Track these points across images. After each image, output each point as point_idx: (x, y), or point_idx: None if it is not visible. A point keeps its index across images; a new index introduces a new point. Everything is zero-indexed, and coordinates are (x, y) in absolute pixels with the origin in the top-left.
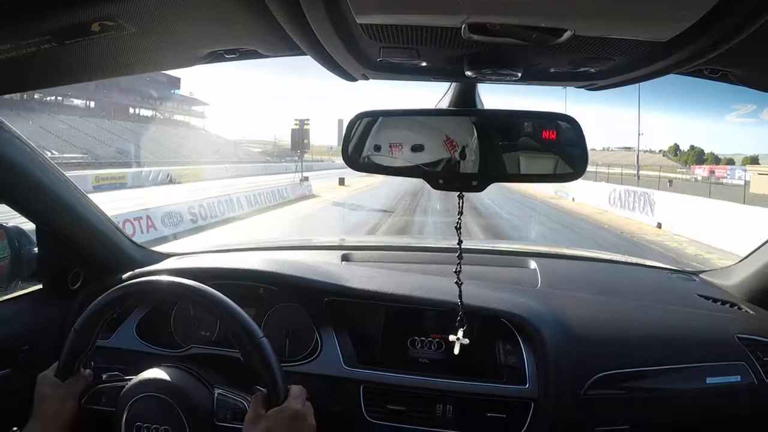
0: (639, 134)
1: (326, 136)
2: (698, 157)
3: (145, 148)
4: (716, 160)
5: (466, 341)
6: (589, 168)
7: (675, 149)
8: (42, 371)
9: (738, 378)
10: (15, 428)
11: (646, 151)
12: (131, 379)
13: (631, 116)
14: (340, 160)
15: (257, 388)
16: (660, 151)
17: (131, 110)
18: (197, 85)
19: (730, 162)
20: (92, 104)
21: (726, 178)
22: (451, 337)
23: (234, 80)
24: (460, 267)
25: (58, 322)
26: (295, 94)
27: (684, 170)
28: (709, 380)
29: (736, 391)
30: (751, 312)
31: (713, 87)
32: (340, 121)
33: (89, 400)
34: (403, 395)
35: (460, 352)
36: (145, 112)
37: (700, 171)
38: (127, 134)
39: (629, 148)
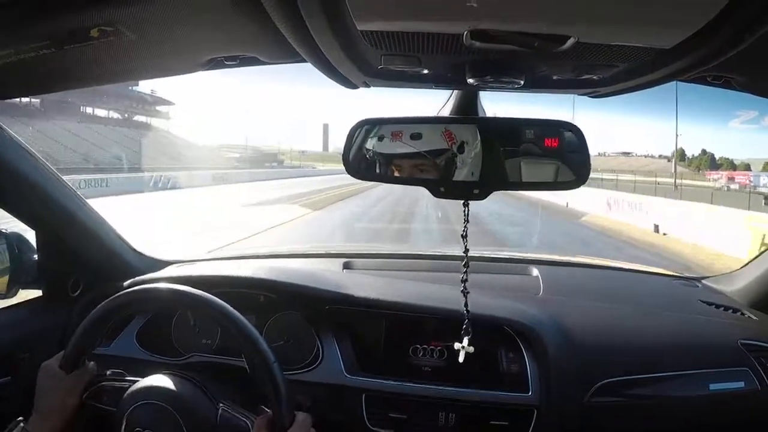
0: (677, 135)
1: (312, 141)
2: (711, 162)
3: (84, 153)
4: (732, 165)
5: (471, 349)
6: (592, 174)
7: (681, 154)
8: (43, 363)
9: (741, 384)
10: (20, 418)
11: (647, 156)
12: (135, 379)
13: (628, 121)
14: (321, 167)
15: (262, 408)
16: (660, 155)
17: (82, 109)
18: (161, 82)
19: (747, 168)
20: (37, 102)
21: (750, 185)
22: (456, 345)
23: (207, 79)
24: (467, 275)
25: (59, 329)
26: (276, 97)
27: (714, 177)
28: (713, 387)
29: (739, 398)
30: (755, 318)
31: (715, 93)
32: (326, 126)
33: (91, 396)
34: (405, 403)
35: (462, 359)
36: (100, 112)
37: (717, 178)
38: (69, 139)
39: (628, 153)
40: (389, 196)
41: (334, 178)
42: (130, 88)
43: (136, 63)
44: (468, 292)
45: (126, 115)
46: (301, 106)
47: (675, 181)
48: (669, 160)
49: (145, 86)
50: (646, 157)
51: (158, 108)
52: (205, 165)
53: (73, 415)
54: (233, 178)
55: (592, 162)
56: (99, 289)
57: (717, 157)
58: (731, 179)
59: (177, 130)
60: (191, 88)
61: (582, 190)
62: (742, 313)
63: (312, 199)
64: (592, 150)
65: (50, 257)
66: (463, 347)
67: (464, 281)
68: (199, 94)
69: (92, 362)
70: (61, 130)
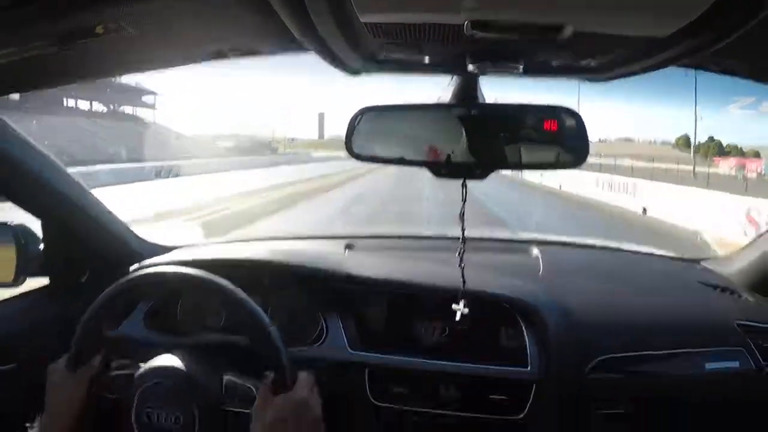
0: (697, 119)
1: (307, 130)
2: (719, 149)
3: (54, 146)
4: (740, 152)
5: (466, 310)
6: (598, 160)
7: (686, 141)
8: (50, 365)
9: (737, 364)
10: (28, 424)
11: (651, 142)
12: (140, 366)
13: (628, 107)
14: (315, 153)
15: (266, 374)
16: (662, 142)
17: (65, 102)
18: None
19: (757, 155)
20: (16, 96)
21: (762, 172)
22: (453, 306)
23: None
24: (463, 248)
25: (65, 316)
26: (271, 86)
27: (730, 165)
28: (708, 366)
29: (734, 377)
30: (751, 299)
31: (712, 79)
32: (321, 115)
33: (99, 388)
34: (407, 378)
35: (462, 335)
36: (83, 104)
37: (732, 166)
38: (46, 133)
39: (630, 139)
40: (359, 203)
41: (317, 166)
42: (111, 79)
43: (139, 56)
44: (463, 250)
45: (111, 107)
46: (297, 95)
47: (694, 169)
48: (674, 147)
49: (128, 76)
50: (650, 143)
51: (144, 98)
52: (193, 155)
53: (82, 412)
54: (189, 170)
55: (593, 148)
56: (105, 275)
57: (722, 143)
58: (742, 166)
59: (164, 121)
60: (179, 76)
61: (651, 184)
62: (740, 295)
63: (247, 204)
64: (593, 136)
65: (56, 246)
66: (459, 310)
67: (461, 254)
68: (189, 83)
69: (97, 356)
70: (34, 124)
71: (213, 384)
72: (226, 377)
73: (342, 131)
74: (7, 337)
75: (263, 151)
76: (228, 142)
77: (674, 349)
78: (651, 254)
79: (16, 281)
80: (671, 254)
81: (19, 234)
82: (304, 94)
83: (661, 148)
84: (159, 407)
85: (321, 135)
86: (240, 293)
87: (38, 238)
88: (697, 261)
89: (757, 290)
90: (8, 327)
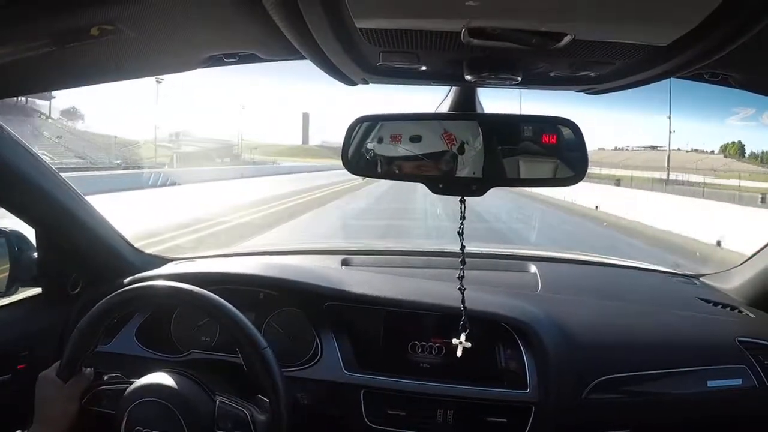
0: None
1: (291, 133)
2: None
3: None
4: None
5: (469, 345)
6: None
7: (739, 148)
8: (40, 373)
9: (739, 381)
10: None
11: (689, 151)
12: (133, 381)
13: (646, 115)
14: (286, 162)
15: (260, 397)
16: (692, 149)
17: None
18: None
19: None
20: None
21: None
22: (454, 341)
23: None
24: (463, 272)
25: (58, 327)
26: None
27: None
28: (710, 384)
29: (737, 395)
30: (752, 315)
31: (710, 90)
32: (306, 115)
33: (90, 401)
34: (403, 400)
35: (460, 356)
36: None
37: None
38: None
39: (655, 147)
40: None
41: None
42: None
43: (135, 61)
44: (464, 289)
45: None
46: (270, 94)
47: None
48: (725, 155)
49: None
50: (688, 152)
51: None
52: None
53: (73, 422)
54: None
55: (609, 156)
56: (99, 286)
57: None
58: None
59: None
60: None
61: None
62: (740, 311)
63: None
64: (608, 144)
65: (50, 255)
66: (460, 343)
67: (461, 278)
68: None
69: (89, 368)
70: None
71: (205, 406)
72: (219, 399)
73: (326, 135)
74: (0, 348)
75: (222, 158)
76: (191, 146)
77: (675, 368)
78: (649, 270)
79: (9, 290)
80: (669, 269)
81: (13, 241)
82: (285, 92)
83: (714, 158)
84: (149, 426)
85: (305, 139)
86: (235, 312)
87: (33, 245)
88: (696, 276)
89: (757, 306)
90: (0, 337)
